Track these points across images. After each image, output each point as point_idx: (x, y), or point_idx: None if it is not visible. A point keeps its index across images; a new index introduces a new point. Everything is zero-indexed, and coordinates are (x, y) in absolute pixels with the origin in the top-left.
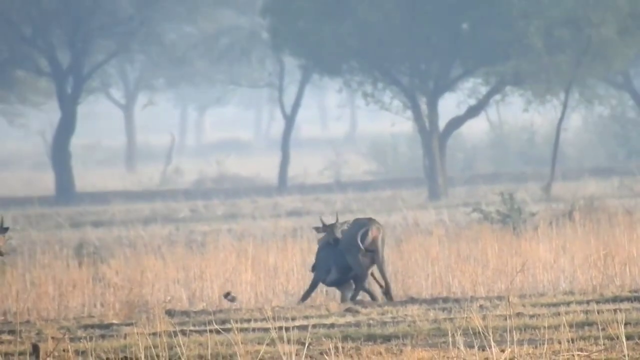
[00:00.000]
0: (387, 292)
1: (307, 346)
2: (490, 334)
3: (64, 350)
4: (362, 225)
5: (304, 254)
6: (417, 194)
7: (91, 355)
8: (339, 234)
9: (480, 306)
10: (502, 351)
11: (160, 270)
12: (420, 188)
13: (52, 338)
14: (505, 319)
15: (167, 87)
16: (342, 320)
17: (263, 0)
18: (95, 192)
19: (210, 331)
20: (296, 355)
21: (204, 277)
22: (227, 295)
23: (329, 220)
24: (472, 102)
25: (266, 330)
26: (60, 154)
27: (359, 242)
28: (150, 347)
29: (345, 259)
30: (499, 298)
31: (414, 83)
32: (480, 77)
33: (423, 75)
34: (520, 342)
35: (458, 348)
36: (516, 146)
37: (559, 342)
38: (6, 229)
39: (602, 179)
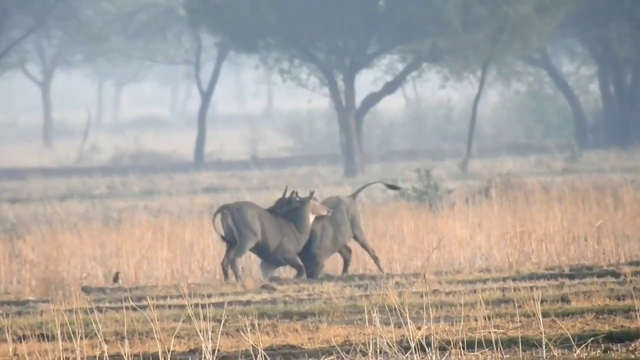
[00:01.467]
0: (376, 262)
1: (224, 323)
2: (407, 311)
3: None
4: (332, 204)
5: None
6: (334, 171)
7: (7, 331)
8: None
9: (397, 283)
10: (419, 328)
11: (76, 247)
12: (336, 165)
13: None
14: (422, 296)
15: (84, 63)
16: (258, 297)
17: None
18: (11, 169)
19: (127, 308)
20: (212, 332)
21: (120, 253)
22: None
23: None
24: (389, 78)
25: (182, 307)
26: None
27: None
28: (66, 324)
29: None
30: (415, 275)
31: (330, 59)
32: (397, 53)
33: (340, 52)
34: (437, 320)
35: (374, 325)
36: (433, 123)
37: (475, 320)
38: None
39: (519, 156)
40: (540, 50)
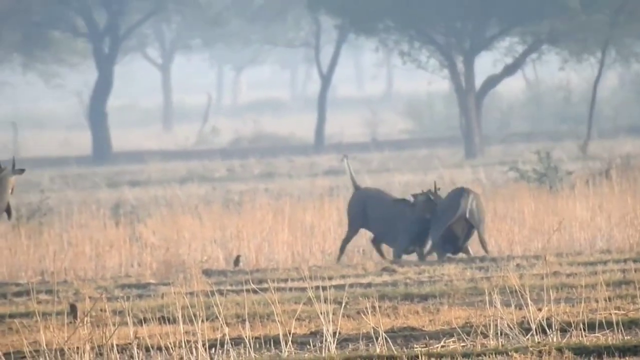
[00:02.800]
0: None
1: (344, 305)
2: (527, 292)
3: (101, 310)
4: (459, 195)
5: (340, 213)
6: (454, 153)
7: (128, 314)
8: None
9: (517, 265)
10: (539, 310)
11: (197, 230)
12: (456, 147)
13: (90, 298)
14: (542, 278)
15: (203, 47)
16: (379, 280)
17: None
18: (131, 152)
19: (247, 291)
20: (333, 314)
21: (240, 236)
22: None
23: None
24: (509, 60)
25: (303, 289)
26: (97, 114)
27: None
28: (187, 307)
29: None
30: (536, 257)
31: (450, 42)
32: (517, 36)
33: (459, 34)
34: (557, 301)
35: (495, 307)
36: (552, 105)
37: (596, 301)
38: (22, 170)
39: (638, 137)
40: None
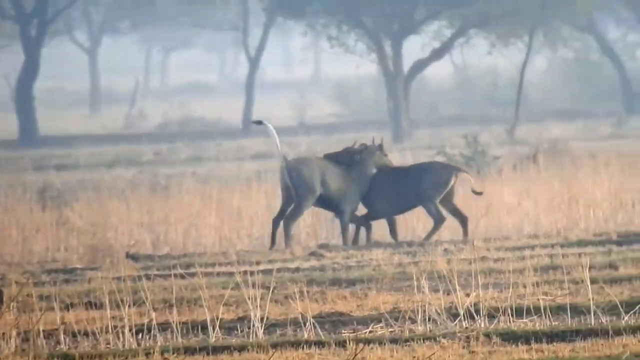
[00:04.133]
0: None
1: (272, 290)
2: (455, 278)
3: (27, 295)
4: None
5: (268, 197)
6: (381, 137)
7: (55, 299)
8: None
9: (445, 250)
10: (467, 295)
11: (124, 214)
12: (384, 130)
13: (16, 282)
14: (470, 263)
15: (131, 29)
16: (306, 265)
17: None
18: (58, 136)
19: (175, 275)
20: (261, 299)
21: (168, 220)
22: (259, 122)
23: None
24: (437, 44)
25: (231, 274)
26: (23, 97)
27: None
28: (114, 292)
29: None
30: (464, 242)
31: (378, 25)
32: (445, 19)
33: (388, 18)
34: (485, 286)
35: (423, 292)
36: (480, 89)
37: (524, 286)
38: None
39: (566, 122)
40: (587, 16)
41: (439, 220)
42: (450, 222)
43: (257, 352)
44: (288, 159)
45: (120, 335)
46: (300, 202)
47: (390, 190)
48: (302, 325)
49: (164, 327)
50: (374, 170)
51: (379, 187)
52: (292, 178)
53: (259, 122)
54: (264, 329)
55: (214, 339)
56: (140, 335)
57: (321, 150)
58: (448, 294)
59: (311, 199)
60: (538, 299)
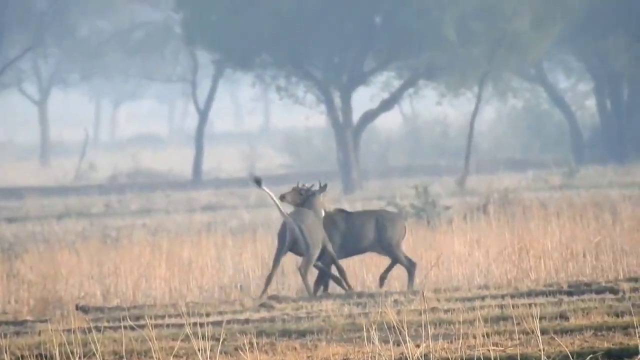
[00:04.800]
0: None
1: (222, 342)
2: (405, 328)
3: None
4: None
5: (218, 248)
6: (332, 188)
7: (5, 352)
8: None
9: (395, 301)
10: (417, 346)
11: (74, 265)
12: (334, 181)
13: None
14: (420, 314)
15: (81, 81)
16: (256, 316)
17: None
18: (9, 187)
19: (125, 327)
20: (211, 351)
21: (118, 272)
22: (258, 180)
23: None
24: (386, 95)
25: (181, 326)
26: None
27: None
28: (64, 344)
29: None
30: (414, 293)
31: (327, 76)
32: (394, 70)
33: (336, 69)
34: (436, 337)
35: (373, 343)
36: (430, 139)
37: (474, 337)
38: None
39: (516, 171)
40: (537, 66)
41: (412, 266)
42: (400, 272)
43: None
44: (289, 216)
45: None
46: (311, 254)
47: (341, 234)
48: None
49: None
50: (323, 214)
51: (330, 231)
52: (302, 232)
53: (258, 183)
54: None
55: None
56: None
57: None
58: (398, 345)
59: (319, 248)
60: (488, 350)
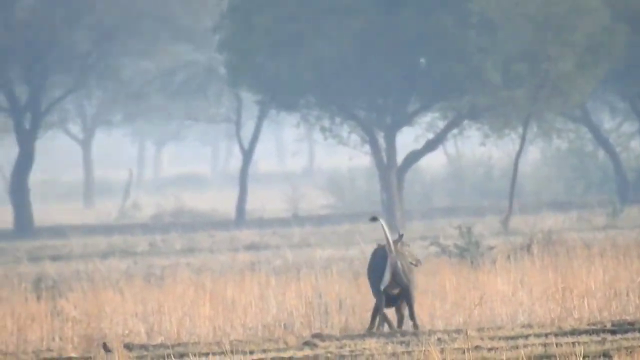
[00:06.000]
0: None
1: None
2: None
3: None
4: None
5: (261, 287)
6: (375, 228)
7: None
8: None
9: (439, 339)
10: None
11: (118, 304)
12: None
13: None
14: (464, 353)
15: (124, 122)
16: (300, 354)
17: (220, 36)
18: (53, 227)
19: None
20: None
21: (162, 310)
22: (374, 219)
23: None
24: (430, 136)
25: None
26: (18, 188)
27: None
28: None
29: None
30: (457, 331)
31: (371, 117)
32: (438, 111)
33: (380, 110)
34: None
35: None
36: (474, 179)
37: None
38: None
39: (560, 212)
40: (581, 107)
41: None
42: (443, 312)
43: None
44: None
45: None
46: (411, 289)
47: None
48: None
49: None
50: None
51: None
52: (404, 269)
53: (375, 219)
54: None
55: None
56: None
57: (315, 242)
58: None
59: (415, 287)
60: None
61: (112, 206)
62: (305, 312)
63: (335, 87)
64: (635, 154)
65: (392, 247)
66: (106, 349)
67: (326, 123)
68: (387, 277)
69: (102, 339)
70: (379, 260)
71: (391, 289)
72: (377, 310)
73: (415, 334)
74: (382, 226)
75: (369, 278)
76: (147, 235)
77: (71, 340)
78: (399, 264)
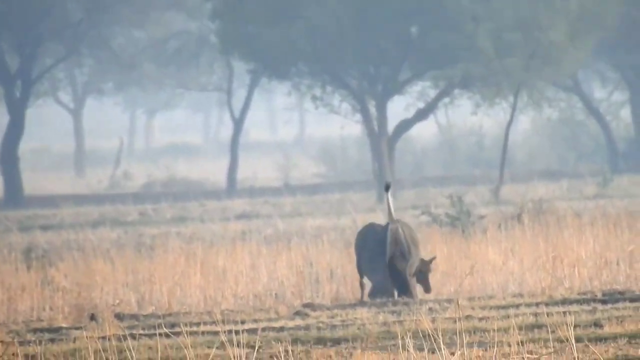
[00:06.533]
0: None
1: (257, 349)
2: (440, 336)
3: (13, 354)
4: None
5: (252, 256)
6: (366, 197)
7: (41, 359)
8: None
9: (430, 309)
10: (452, 354)
11: (109, 273)
12: (369, 191)
13: (1, 342)
14: (455, 322)
15: (115, 91)
16: (291, 324)
17: (212, 4)
18: (44, 196)
19: (160, 335)
20: (246, 358)
21: (152, 280)
22: (388, 186)
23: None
24: (421, 105)
25: (215, 333)
26: (8, 158)
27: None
28: (99, 351)
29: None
30: (448, 301)
31: (362, 86)
32: (429, 80)
33: (372, 79)
34: (470, 345)
35: (408, 351)
36: (465, 149)
37: (509, 345)
38: None
39: (551, 181)
40: (572, 77)
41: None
42: (434, 282)
43: None
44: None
45: None
46: (413, 257)
47: None
48: None
49: None
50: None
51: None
52: (405, 237)
53: (387, 188)
54: None
55: None
56: None
57: (306, 211)
58: (433, 353)
59: (419, 256)
60: (523, 358)
61: (103, 175)
62: (296, 281)
63: (327, 56)
64: (626, 123)
65: (393, 217)
66: (93, 318)
67: (317, 92)
68: (389, 248)
69: (92, 309)
70: (374, 236)
71: (398, 262)
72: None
73: (406, 304)
74: (388, 197)
75: (360, 258)
76: (138, 205)
77: (62, 310)
78: (400, 230)
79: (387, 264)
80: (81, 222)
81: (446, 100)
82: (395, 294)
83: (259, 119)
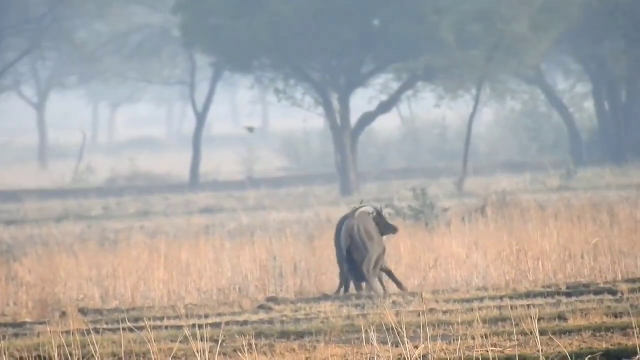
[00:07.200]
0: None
1: (221, 343)
2: (404, 330)
3: None
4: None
5: (216, 251)
6: (330, 190)
7: (4, 354)
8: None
9: (394, 302)
10: (416, 347)
11: (73, 268)
12: (332, 184)
13: None
14: (419, 315)
15: (78, 84)
16: (255, 318)
17: None
18: (7, 191)
19: (124, 329)
20: (210, 352)
21: (116, 275)
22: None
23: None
24: (384, 97)
25: (179, 328)
26: None
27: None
28: (63, 346)
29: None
30: (412, 294)
31: (325, 79)
32: (392, 72)
33: (335, 71)
34: (434, 338)
35: (372, 344)
36: (428, 142)
37: (473, 338)
38: None
39: (514, 174)
40: (535, 68)
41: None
42: (398, 275)
43: None
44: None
45: None
46: (370, 252)
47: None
48: None
49: None
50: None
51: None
52: (360, 233)
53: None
54: None
55: None
56: None
57: (270, 205)
58: (397, 346)
59: (377, 252)
60: (487, 351)
61: (66, 170)
62: (260, 275)
63: (289, 49)
64: (589, 114)
65: (356, 213)
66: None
67: (280, 85)
68: (343, 240)
69: (56, 304)
70: (340, 227)
71: (354, 254)
72: (342, 276)
73: (370, 298)
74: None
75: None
76: (101, 199)
77: (26, 305)
78: (356, 227)
79: (345, 255)
80: (45, 217)
81: (409, 92)
82: (352, 284)
83: (222, 112)
